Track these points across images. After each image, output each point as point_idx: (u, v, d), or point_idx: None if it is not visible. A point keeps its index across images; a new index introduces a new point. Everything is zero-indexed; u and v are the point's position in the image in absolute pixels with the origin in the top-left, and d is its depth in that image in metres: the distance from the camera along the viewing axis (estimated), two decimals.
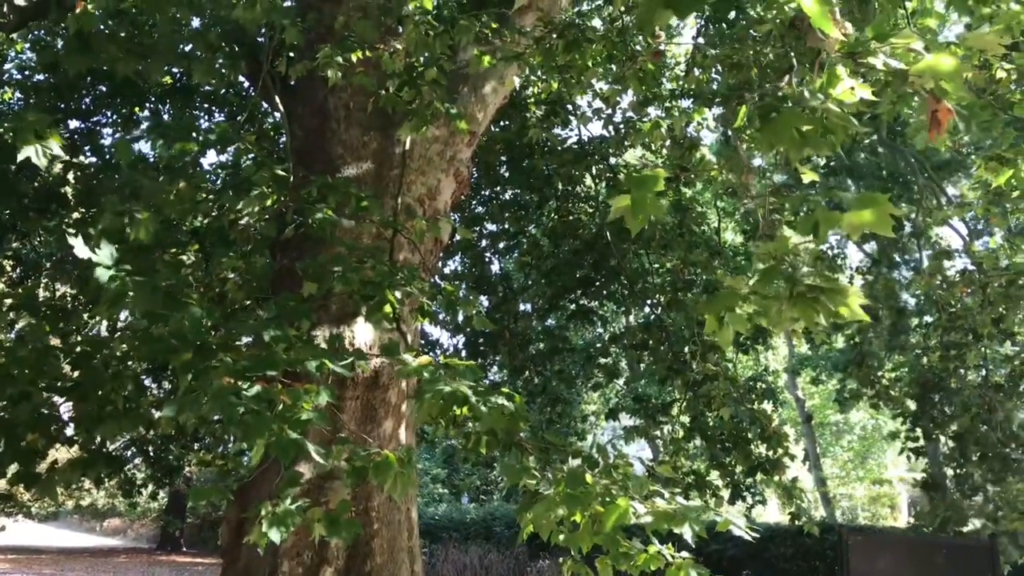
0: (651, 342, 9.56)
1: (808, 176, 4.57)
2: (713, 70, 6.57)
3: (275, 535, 3.42)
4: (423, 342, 11.03)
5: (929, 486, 12.34)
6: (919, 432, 12.14)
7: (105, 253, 3.71)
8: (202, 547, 26.49)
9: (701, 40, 8.11)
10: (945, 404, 11.28)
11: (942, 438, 11.66)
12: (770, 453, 8.28)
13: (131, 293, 3.60)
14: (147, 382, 10.07)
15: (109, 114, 8.41)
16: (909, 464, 13.36)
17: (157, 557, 23.93)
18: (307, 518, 3.72)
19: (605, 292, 10.48)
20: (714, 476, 8.99)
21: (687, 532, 3.24)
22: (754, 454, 8.36)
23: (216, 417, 4.09)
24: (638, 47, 5.82)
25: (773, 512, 25.78)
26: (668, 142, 6.91)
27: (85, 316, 8.79)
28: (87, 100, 8.15)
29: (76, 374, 5.02)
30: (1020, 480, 10.22)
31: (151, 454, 12.56)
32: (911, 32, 2.46)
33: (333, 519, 3.79)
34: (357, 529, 3.89)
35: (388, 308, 4.38)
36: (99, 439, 5.30)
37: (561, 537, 3.38)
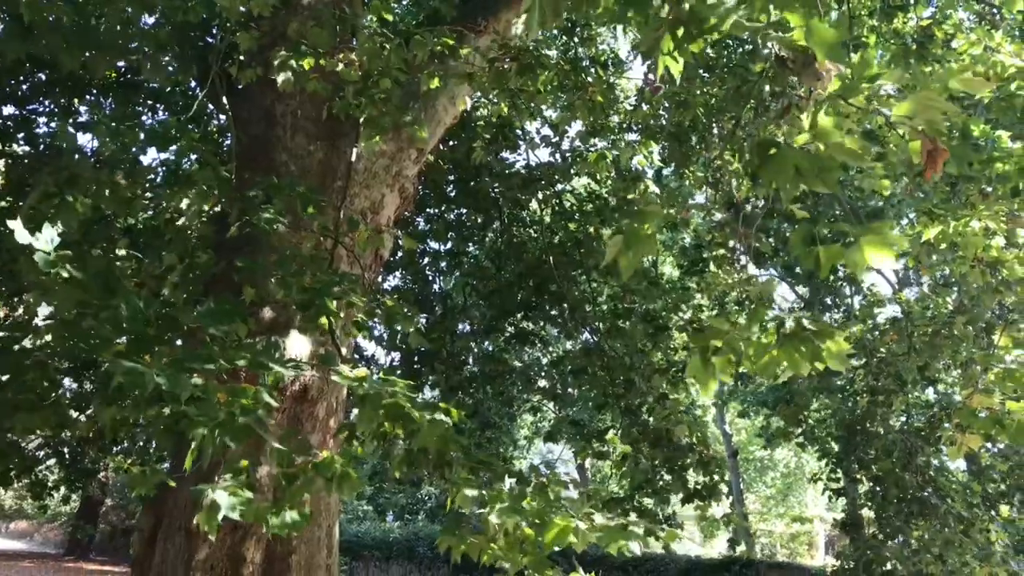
0: (589, 368, 9.61)
1: (799, 215, 4.59)
2: (661, 107, 6.70)
3: (233, 512, 3.18)
4: (358, 357, 10.89)
5: (847, 526, 12.63)
6: (840, 473, 12.42)
7: (45, 237, 3.58)
8: (112, 555, 25.55)
9: (651, 76, 8.26)
10: (867, 447, 11.57)
11: (864, 480, 11.94)
12: (706, 480, 8.37)
13: (66, 279, 3.45)
14: (66, 381, 9.74)
15: (47, 103, 8.14)
16: (829, 504, 13.65)
17: (65, 563, 23.02)
18: (256, 511, 3.49)
19: (546, 316, 10.52)
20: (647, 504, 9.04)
21: (635, 547, 3.25)
22: (690, 481, 8.45)
23: (140, 421, 3.94)
24: (589, 78, 5.90)
25: (692, 546, 26.02)
26: (613, 173, 7.00)
27: (5, 308, 8.44)
28: (24, 87, 7.88)
29: None
30: (937, 523, 10.51)
31: (66, 456, 12.09)
32: (900, 72, 2.48)
33: (280, 513, 3.59)
34: (305, 521, 3.69)
35: (324, 320, 4.31)
36: (10, 433, 5.08)
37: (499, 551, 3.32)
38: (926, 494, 10.66)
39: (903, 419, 11.63)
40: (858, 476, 11.91)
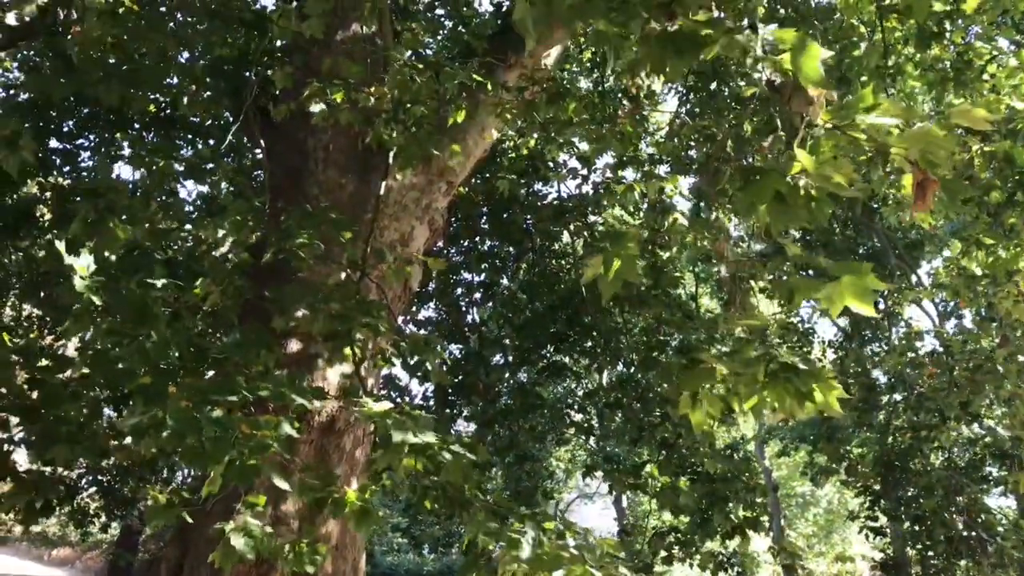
0: (624, 400, 9.50)
1: (792, 250, 4.54)
2: (691, 139, 6.67)
3: (248, 551, 3.22)
4: (393, 388, 10.87)
5: (887, 567, 12.25)
6: (879, 511, 12.08)
7: (83, 262, 3.66)
8: None
9: (683, 109, 8.23)
10: (907, 484, 11.25)
11: (904, 518, 11.59)
12: (747, 513, 8.19)
13: (98, 306, 3.51)
14: (108, 410, 9.88)
15: (91, 137, 8.37)
16: (871, 542, 13.26)
17: None
18: (272, 549, 3.53)
19: (579, 348, 10.43)
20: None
21: None
22: (733, 513, 8.27)
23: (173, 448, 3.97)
24: (619, 110, 5.90)
25: None
26: (644, 205, 6.97)
27: (50, 338, 8.59)
28: (70, 122, 8.11)
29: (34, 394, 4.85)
30: (988, 564, 10.17)
31: (105, 484, 12.24)
32: (897, 103, 2.39)
33: (297, 551, 3.61)
34: (321, 557, 3.68)
35: (348, 351, 4.31)
36: (51, 464, 5.13)
37: None
38: (973, 533, 10.32)
39: (944, 456, 11.30)
40: (899, 514, 11.57)
